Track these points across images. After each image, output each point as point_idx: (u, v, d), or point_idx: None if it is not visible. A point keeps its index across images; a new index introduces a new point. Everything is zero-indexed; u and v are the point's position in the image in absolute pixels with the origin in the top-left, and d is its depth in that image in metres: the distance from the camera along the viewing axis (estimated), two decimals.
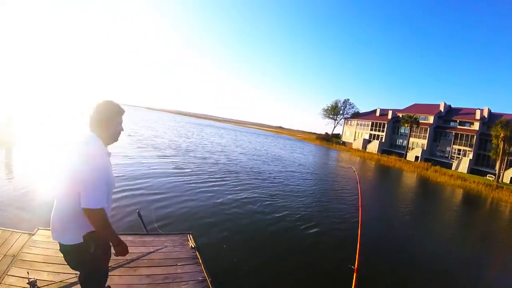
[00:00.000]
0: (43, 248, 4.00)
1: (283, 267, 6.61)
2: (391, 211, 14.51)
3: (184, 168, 15.01)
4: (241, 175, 16.21)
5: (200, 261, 4.20)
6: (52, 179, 7.95)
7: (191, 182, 12.22)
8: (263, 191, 13.12)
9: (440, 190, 26.02)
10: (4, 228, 4.39)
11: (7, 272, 3.41)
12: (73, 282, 3.43)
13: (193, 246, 4.60)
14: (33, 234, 4.31)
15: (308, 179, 19.03)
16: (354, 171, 8.17)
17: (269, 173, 18.56)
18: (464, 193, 25.77)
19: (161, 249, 4.29)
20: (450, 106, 57.20)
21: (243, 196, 11.64)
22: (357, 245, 3.92)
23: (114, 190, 2.66)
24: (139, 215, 3.91)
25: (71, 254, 2.47)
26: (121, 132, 2.62)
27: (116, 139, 2.59)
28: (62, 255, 3.63)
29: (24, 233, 4.34)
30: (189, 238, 4.82)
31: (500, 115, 45.80)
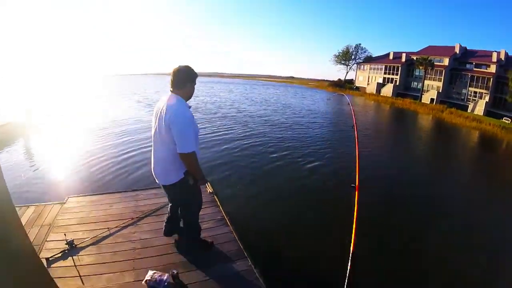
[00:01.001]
0: (75, 213, 4.25)
1: (292, 196, 7.02)
2: (405, 150, 14.49)
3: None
4: (250, 124, 16.53)
5: (218, 203, 4.58)
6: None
7: (204, 135, 12.58)
8: (270, 136, 13.54)
9: (455, 131, 25.45)
10: (37, 204, 4.61)
11: (46, 238, 3.63)
12: (105, 235, 3.68)
13: (211, 191, 4.97)
14: (64, 203, 4.54)
15: (316, 123, 19.02)
16: (348, 104, 8.15)
17: (277, 120, 18.68)
18: (480, 134, 25.14)
19: None
20: (465, 48, 53.71)
21: (251, 141, 12.20)
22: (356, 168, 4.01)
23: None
24: None
25: (176, 189, 3.02)
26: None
27: (191, 97, 3.03)
28: (94, 215, 3.92)
29: (56, 203, 4.57)
30: (207, 185, 5.07)
31: None
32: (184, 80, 2.87)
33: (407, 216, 7.10)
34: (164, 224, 3.64)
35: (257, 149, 11.12)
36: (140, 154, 9.44)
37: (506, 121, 35.09)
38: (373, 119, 26.03)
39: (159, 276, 2.90)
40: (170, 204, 3.53)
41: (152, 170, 3.07)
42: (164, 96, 2.92)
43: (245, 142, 12.00)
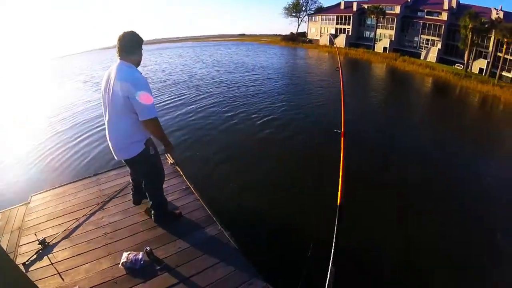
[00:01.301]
0: (42, 210, 4.19)
1: (253, 152, 7.13)
2: (363, 100, 14.70)
3: None
4: (202, 87, 16.33)
5: (181, 173, 4.59)
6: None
7: (156, 104, 12.35)
8: (224, 97, 13.61)
9: (409, 78, 26.19)
10: (2, 210, 4.52)
11: (19, 243, 3.61)
12: (74, 227, 3.69)
13: (172, 162, 4.96)
14: (28, 203, 4.45)
15: (270, 79, 19.17)
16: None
17: (230, 81, 18.55)
18: (433, 81, 25.83)
19: None
20: None
21: (204, 104, 12.26)
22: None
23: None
24: None
25: (138, 162, 3.02)
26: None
27: (139, 64, 2.92)
28: (60, 209, 3.89)
29: (21, 205, 4.47)
30: (166, 156, 5.09)
31: (469, 6, 43.05)
32: (131, 45, 2.78)
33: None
34: (131, 194, 3.76)
35: (209, 112, 11.14)
36: (94, 135, 9.29)
37: (458, 67, 36.20)
38: (327, 71, 26.02)
39: (134, 256, 3.00)
40: (131, 180, 3.63)
41: (111, 147, 3.00)
42: (113, 65, 2.82)
43: (200, 106, 11.99)
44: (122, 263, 2.97)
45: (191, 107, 11.86)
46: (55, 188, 4.79)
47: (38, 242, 3.41)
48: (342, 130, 3.15)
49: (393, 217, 5.45)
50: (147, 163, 3.10)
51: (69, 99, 16.54)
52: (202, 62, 31.58)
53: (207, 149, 7.68)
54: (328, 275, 1.78)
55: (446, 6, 45.99)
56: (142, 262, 2.97)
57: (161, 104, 12.63)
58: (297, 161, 7.07)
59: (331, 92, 15.19)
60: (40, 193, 4.71)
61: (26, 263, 3.19)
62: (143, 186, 3.47)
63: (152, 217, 3.58)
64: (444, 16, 45.13)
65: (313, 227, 4.54)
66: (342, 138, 3.02)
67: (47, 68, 47.81)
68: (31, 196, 4.63)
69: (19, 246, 3.57)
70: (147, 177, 3.32)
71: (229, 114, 10.60)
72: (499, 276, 4.50)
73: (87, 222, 3.76)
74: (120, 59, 2.77)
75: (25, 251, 3.43)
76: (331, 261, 1.82)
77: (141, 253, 3.03)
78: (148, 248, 3.03)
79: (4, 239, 3.74)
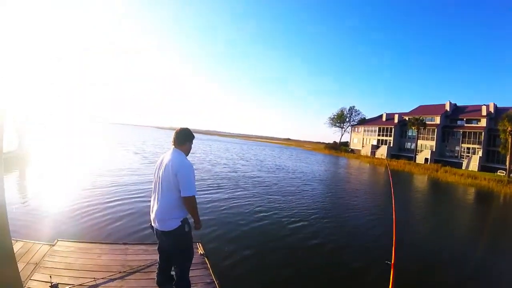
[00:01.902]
0: (63, 257, 4.33)
1: (291, 267, 6.85)
2: (405, 213, 14.46)
3: None
4: (240, 183, 16.78)
5: (209, 266, 4.59)
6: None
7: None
8: (262, 197, 13.62)
9: (451, 190, 25.47)
10: (26, 240, 4.68)
11: (30, 277, 3.71)
12: (90, 286, 3.74)
13: (202, 253, 5.02)
14: (53, 245, 4.63)
15: (309, 185, 19.20)
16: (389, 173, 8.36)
17: (269, 181, 19.01)
18: (476, 191, 25.28)
19: None
20: (455, 104, 56.45)
21: (239, 199, 12.40)
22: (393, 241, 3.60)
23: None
24: (151, 227, 4.31)
25: (173, 236, 3.34)
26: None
27: (189, 153, 3.60)
28: (81, 263, 4.01)
29: (45, 244, 4.66)
30: (198, 246, 5.18)
31: (506, 108, 44.72)
32: (184, 139, 3.52)
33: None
34: (156, 274, 3.86)
35: (245, 206, 11.28)
36: (132, 206, 9.49)
37: (501, 174, 35.27)
38: (368, 182, 26.06)
39: None
40: (159, 258, 3.80)
41: (152, 217, 3.44)
42: (168, 151, 3.52)
43: (235, 204, 11.95)
44: None
45: (225, 198, 12.08)
46: (83, 242, 4.98)
47: (50, 285, 3.50)
48: (393, 261, 3.06)
49: None
50: (181, 239, 3.40)
51: (119, 165, 17.82)
52: (245, 160, 32.62)
53: (235, 244, 7.53)
54: None
55: (484, 112, 46.09)
56: None
57: (198, 189, 12.87)
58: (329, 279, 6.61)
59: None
60: (67, 240, 4.90)
61: None
62: (172, 268, 3.75)
63: None
64: (483, 122, 45.01)
65: None
66: (392, 270, 2.93)
67: (106, 132, 51.15)
68: (58, 240, 4.82)
69: (30, 279, 3.66)
70: (177, 253, 3.54)
71: (262, 213, 10.54)
72: None
73: (104, 285, 3.79)
74: (174, 147, 3.49)
75: (34, 287, 3.47)
76: None
77: None
78: None
79: (18, 266, 3.81)
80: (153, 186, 3.52)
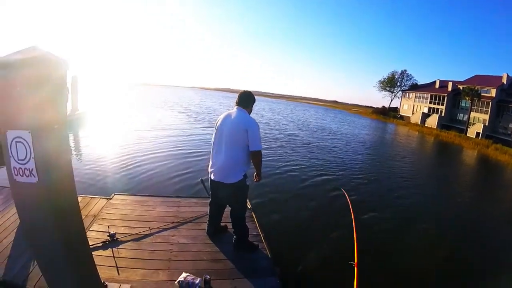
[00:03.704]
0: (119, 209, 4.49)
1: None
2: (447, 188, 13.68)
3: None
4: (283, 142, 16.93)
5: (255, 219, 4.68)
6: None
7: None
8: (302, 156, 13.85)
9: (501, 169, 23.37)
10: (84, 195, 4.89)
11: (89, 228, 3.86)
12: (146, 234, 3.85)
13: (249, 207, 5.00)
14: (110, 199, 4.81)
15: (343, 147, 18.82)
16: None
17: (309, 141, 18.99)
18: None
19: None
20: None
21: (286, 162, 12.29)
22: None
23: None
24: (202, 182, 4.31)
25: (236, 187, 3.52)
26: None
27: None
28: (136, 214, 4.12)
29: (102, 198, 4.85)
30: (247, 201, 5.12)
31: None
32: (248, 101, 3.65)
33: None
34: (207, 225, 4.04)
35: (290, 172, 11.10)
36: (183, 162, 9.82)
37: None
38: (416, 152, 25.11)
39: (192, 279, 2.97)
40: (211, 211, 3.92)
41: (213, 170, 3.57)
42: (231, 110, 3.63)
43: (279, 163, 12.08)
44: (179, 281, 2.94)
45: (274, 163, 12.07)
46: (137, 195, 5.12)
47: (107, 234, 3.61)
48: (355, 261, 3.25)
49: None
50: (241, 191, 3.63)
51: (170, 124, 18.58)
52: (289, 120, 33.18)
53: (284, 205, 7.61)
54: None
55: None
56: (197, 287, 2.92)
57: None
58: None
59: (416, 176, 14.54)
60: (122, 194, 5.07)
61: (91, 247, 3.30)
62: (230, 216, 3.86)
63: (234, 241, 3.80)
64: None
65: None
66: (355, 269, 3.11)
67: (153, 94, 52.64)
68: (114, 194, 5.00)
69: (89, 230, 3.80)
70: (237, 204, 3.73)
71: (302, 172, 10.67)
72: None
73: (158, 234, 3.89)
74: (237, 107, 3.57)
75: (93, 236, 3.63)
76: None
77: (199, 278, 2.98)
78: (208, 277, 2.98)
79: None
80: (214, 142, 3.61)
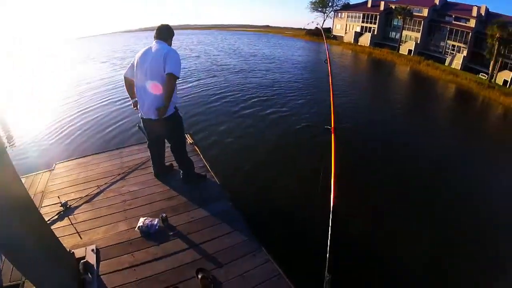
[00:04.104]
0: (65, 177, 4.45)
1: (265, 140, 7.31)
2: (381, 100, 14.66)
3: None
4: (215, 72, 17.12)
5: (199, 152, 4.88)
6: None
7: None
8: (235, 83, 14.17)
9: (431, 83, 25.41)
10: (27, 175, 4.78)
11: (41, 204, 3.85)
12: (97, 193, 3.94)
13: (191, 142, 5.20)
14: (53, 170, 4.72)
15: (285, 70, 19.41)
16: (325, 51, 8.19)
17: (242, 68, 19.27)
18: (456, 88, 25.07)
19: None
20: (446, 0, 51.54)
21: (220, 90, 12.74)
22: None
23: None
24: (139, 127, 4.32)
25: (170, 119, 3.51)
26: None
27: None
28: (83, 177, 4.25)
29: (45, 171, 4.74)
30: (187, 136, 5.29)
31: (498, 15, 41.15)
32: (167, 34, 3.55)
33: (386, 165, 7.47)
34: (152, 167, 4.17)
35: (221, 95, 11.49)
36: (118, 113, 9.68)
37: (483, 77, 34.62)
38: (350, 68, 26.09)
39: (150, 221, 3.20)
40: (152, 153, 4.04)
41: (144, 109, 3.48)
42: (150, 45, 3.47)
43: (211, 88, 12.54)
44: (138, 227, 3.17)
45: (199, 88, 12.68)
46: (79, 158, 5.06)
47: (60, 205, 3.65)
48: (332, 126, 3.05)
49: (391, 219, 5.43)
50: (176, 123, 3.65)
51: (93, 78, 17.26)
52: (219, 50, 32.76)
53: (224, 133, 7.93)
54: (324, 283, 1.79)
55: (474, 13, 44.22)
56: (157, 227, 3.16)
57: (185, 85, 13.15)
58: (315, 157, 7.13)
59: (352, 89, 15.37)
60: (64, 161, 4.97)
61: (48, 222, 3.38)
62: (172, 152, 3.94)
63: (181, 176, 4.01)
64: (472, 23, 43.34)
65: (307, 232, 4.61)
66: (332, 135, 2.92)
67: (74, 48, 48.55)
68: (55, 164, 4.89)
69: (41, 207, 3.79)
70: (176, 138, 3.82)
71: (235, 99, 11.17)
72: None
73: (108, 189, 3.99)
74: (157, 40, 3.47)
75: (47, 211, 3.65)
76: (326, 268, 1.80)
77: (156, 219, 3.23)
78: (164, 215, 3.23)
79: None
80: (137, 79, 3.46)
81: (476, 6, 45.13)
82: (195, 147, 5.07)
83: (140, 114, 3.61)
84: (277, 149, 7.40)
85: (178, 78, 3.31)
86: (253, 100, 10.91)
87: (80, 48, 45.84)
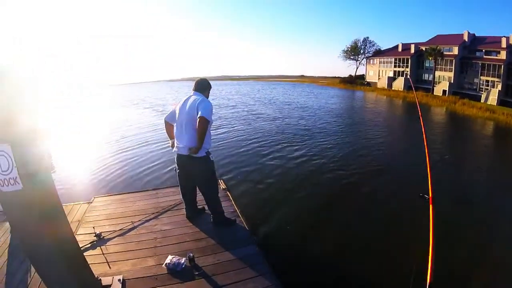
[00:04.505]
0: (102, 210, 4.70)
1: (302, 200, 7.04)
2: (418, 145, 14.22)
3: None
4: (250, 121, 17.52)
5: (230, 197, 5.04)
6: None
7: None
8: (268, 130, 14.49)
9: (469, 123, 24.58)
10: (66, 204, 5.05)
11: (76, 232, 4.05)
12: (130, 228, 4.10)
13: (224, 187, 5.42)
14: (91, 202, 4.99)
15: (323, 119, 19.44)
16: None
17: (275, 116, 19.73)
18: (494, 125, 23.92)
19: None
20: (474, 35, 51.38)
21: (254, 138, 12.90)
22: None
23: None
24: (176, 170, 4.51)
25: (202, 162, 3.75)
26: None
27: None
28: (118, 212, 4.39)
29: (83, 203, 5.02)
30: (220, 182, 5.53)
31: None
32: (204, 88, 3.91)
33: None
34: (185, 209, 4.33)
35: (255, 147, 11.56)
36: (155, 155, 10.09)
37: None
38: (385, 114, 25.91)
39: (177, 259, 3.27)
40: (184, 196, 4.21)
41: (180, 147, 3.76)
42: (189, 95, 3.88)
43: (244, 139, 12.68)
44: (166, 263, 3.24)
45: (234, 137, 12.88)
46: (116, 194, 5.34)
47: (94, 235, 3.84)
48: (430, 195, 2.62)
49: None
50: (207, 166, 3.84)
51: (135, 121, 18.36)
52: (255, 99, 33.70)
53: (256, 179, 7.94)
54: None
55: (504, 44, 42.80)
56: (183, 266, 3.22)
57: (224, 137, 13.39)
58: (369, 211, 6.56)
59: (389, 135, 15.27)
60: (102, 196, 5.27)
61: (81, 248, 3.55)
62: (206, 202, 4.17)
63: (211, 220, 4.19)
64: (503, 54, 41.81)
65: None
66: (430, 206, 2.54)
67: (117, 94, 51.56)
68: (94, 197, 5.19)
69: (76, 234, 3.98)
70: (208, 184, 4.00)
71: (271, 148, 11.16)
72: None
73: (141, 226, 4.16)
74: (194, 91, 3.86)
75: (81, 239, 3.80)
76: None
77: (183, 258, 3.30)
78: (191, 254, 3.30)
79: None
80: (176, 124, 3.82)
81: (505, 36, 44.04)
82: (228, 192, 5.25)
83: (176, 151, 3.87)
84: (314, 197, 7.13)
85: (209, 122, 3.58)
86: (288, 148, 11.08)
87: (126, 93, 48.65)
